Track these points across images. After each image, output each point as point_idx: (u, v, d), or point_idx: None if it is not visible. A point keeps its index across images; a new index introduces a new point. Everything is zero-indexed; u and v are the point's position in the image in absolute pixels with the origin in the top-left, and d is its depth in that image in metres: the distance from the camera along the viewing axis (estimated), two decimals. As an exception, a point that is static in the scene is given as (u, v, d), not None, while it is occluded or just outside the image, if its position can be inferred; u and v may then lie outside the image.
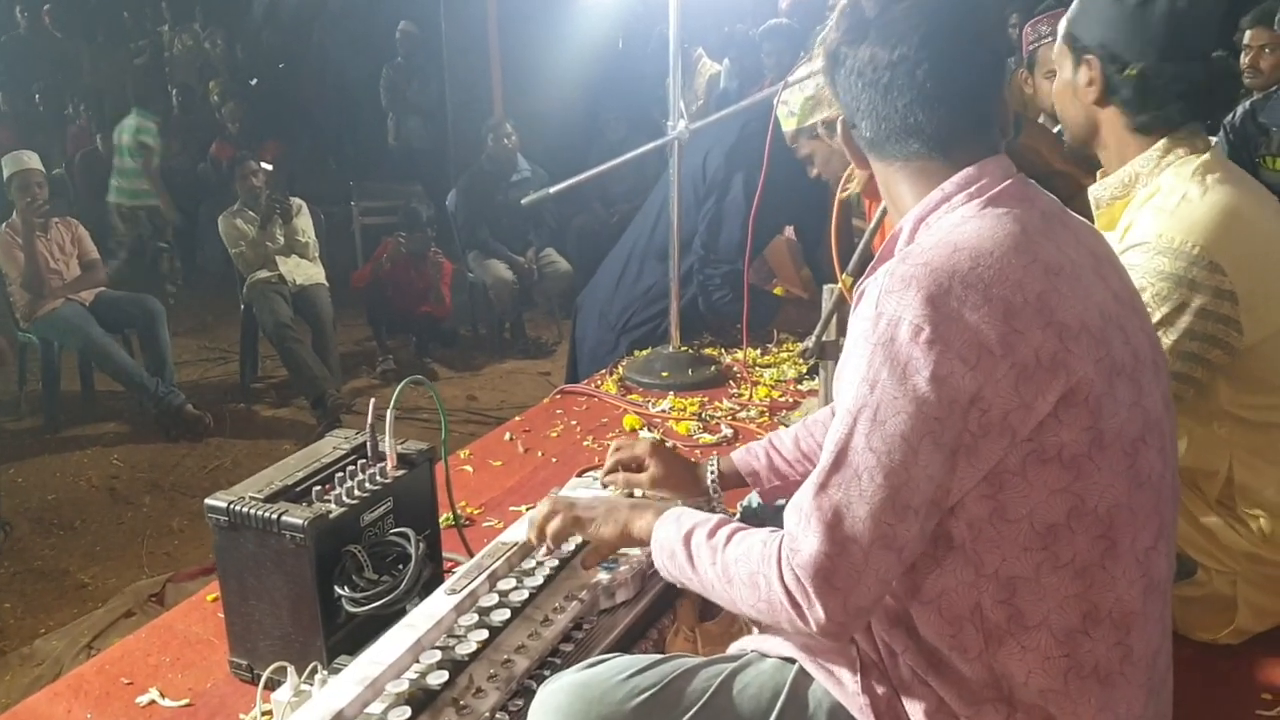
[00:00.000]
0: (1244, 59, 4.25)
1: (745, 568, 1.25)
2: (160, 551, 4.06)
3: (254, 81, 8.68)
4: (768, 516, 1.80)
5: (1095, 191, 1.84)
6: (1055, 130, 3.29)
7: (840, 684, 1.29)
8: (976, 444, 1.15)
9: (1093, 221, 1.81)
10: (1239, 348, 1.64)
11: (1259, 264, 1.64)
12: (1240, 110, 3.74)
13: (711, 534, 1.32)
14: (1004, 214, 1.21)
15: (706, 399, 2.86)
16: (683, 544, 1.35)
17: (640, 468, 1.79)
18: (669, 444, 2.54)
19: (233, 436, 5.22)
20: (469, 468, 2.47)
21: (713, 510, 1.77)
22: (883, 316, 1.14)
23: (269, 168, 6.09)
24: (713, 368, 3.04)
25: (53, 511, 4.47)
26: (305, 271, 5.82)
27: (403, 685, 1.29)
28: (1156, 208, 1.69)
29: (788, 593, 1.20)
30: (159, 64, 9.80)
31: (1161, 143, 1.72)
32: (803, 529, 1.18)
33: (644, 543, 1.44)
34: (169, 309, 5.85)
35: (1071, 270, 1.20)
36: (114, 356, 5.31)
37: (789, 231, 3.65)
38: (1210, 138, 1.77)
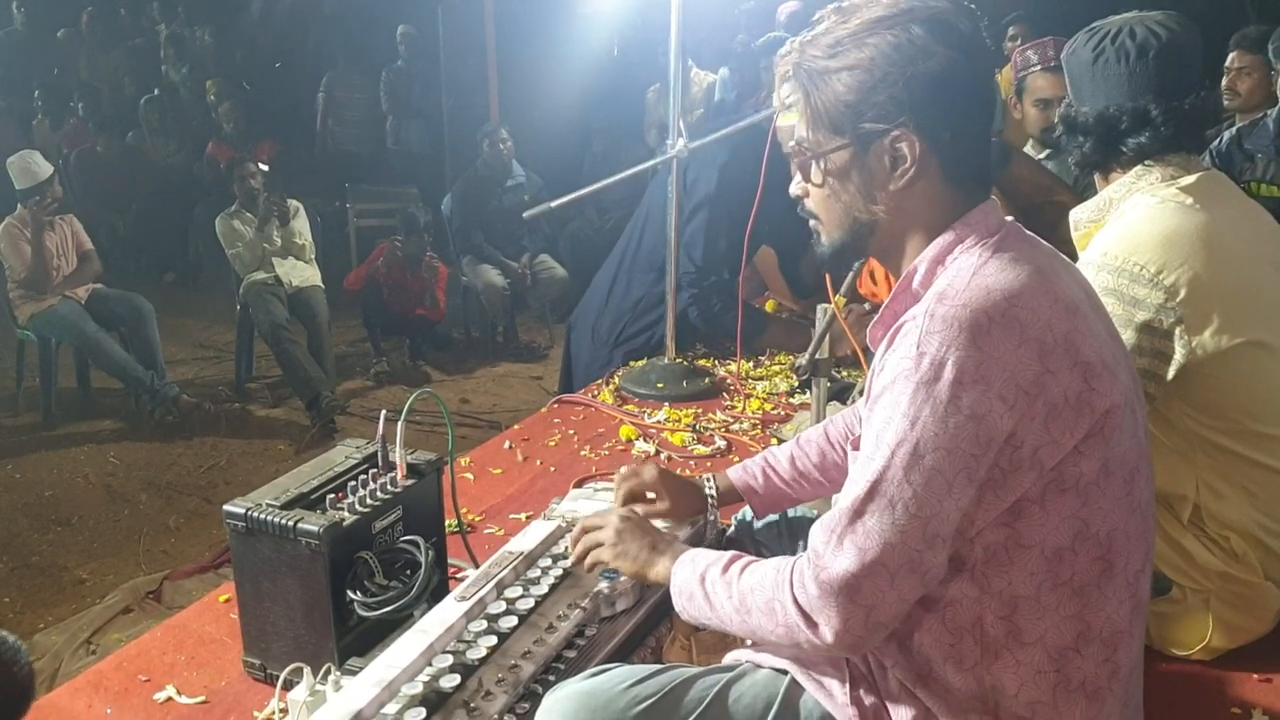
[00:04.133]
0: (1222, 81, 4.33)
1: (761, 596, 1.32)
2: (157, 549, 4.10)
3: (247, 86, 8.70)
4: (760, 530, 1.87)
5: (1075, 215, 1.92)
6: (1041, 157, 3.38)
7: (830, 695, 1.35)
8: (1006, 479, 1.22)
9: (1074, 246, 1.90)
10: (1187, 364, 1.70)
11: (1212, 286, 1.69)
12: (1226, 136, 3.82)
13: (725, 570, 1.39)
14: (1016, 256, 1.28)
15: (701, 410, 2.93)
16: (699, 584, 1.41)
17: (649, 497, 1.81)
18: (664, 454, 2.61)
19: (228, 436, 5.27)
20: (470, 475, 2.53)
21: (708, 524, 1.85)
22: (925, 356, 1.20)
23: (266, 169, 6.14)
24: (707, 380, 3.11)
25: (50, 508, 4.52)
26: (302, 274, 5.87)
27: (417, 687, 1.36)
28: (1113, 229, 1.78)
29: (801, 612, 1.27)
30: (155, 63, 9.82)
31: (1137, 168, 1.81)
32: (833, 549, 1.25)
33: (661, 585, 1.52)
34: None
35: (1081, 308, 1.27)
36: (109, 351, 5.38)
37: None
38: (1202, 162, 1.84)
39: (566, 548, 1.70)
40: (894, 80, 1.27)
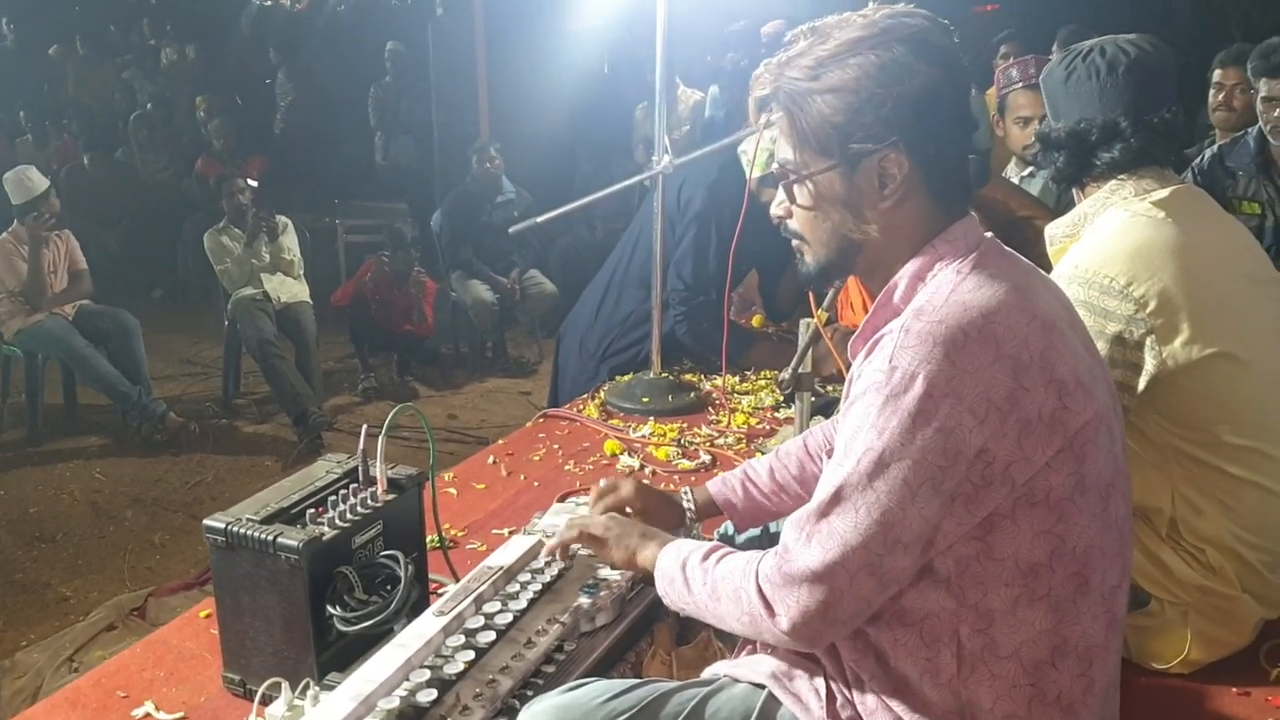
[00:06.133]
0: (1216, 97, 4.35)
1: (730, 584, 1.36)
2: (142, 566, 4.09)
3: (240, 101, 8.72)
4: (741, 545, 1.87)
5: (1050, 230, 1.95)
6: (1025, 174, 3.40)
7: (807, 709, 1.36)
8: (977, 493, 1.23)
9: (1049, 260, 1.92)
10: (1159, 375, 1.72)
11: (1181, 298, 1.71)
12: (1208, 154, 3.83)
13: (705, 558, 1.43)
14: (994, 272, 1.29)
15: (686, 425, 2.93)
16: (680, 570, 1.44)
17: (626, 509, 1.81)
18: (648, 469, 2.62)
19: (214, 452, 5.26)
20: (453, 490, 2.53)
21: (689, 538, 1.85)
22: (897, 370, 1.22)
23: (255, 184, 6.15)
24: (692, 394, 3.11)
25: (34, 524, 4.50)
26: (290, 289, 5.88)
27: (394, 702, 1.36)
28: (1085, 243, 1.80)
29: (763, 599, 1.31)
30: (145, 79, 9.83)
31: (1111, 183, 1.83)
32: (801, 545, 1.28)
33: (648, 572, 1.53)
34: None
35: (1058, 324, 1.29)
36: (97, 366, 5.37)
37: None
38: (1172, 176, 1.86)
39: (546, 561, 1.70)
40: (881, 100, 1.28)
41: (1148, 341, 1.71)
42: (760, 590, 1.31)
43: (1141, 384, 1.73)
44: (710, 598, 1.39)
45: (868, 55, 1.28)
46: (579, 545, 1.68)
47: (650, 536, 1.57)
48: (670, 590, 1.47)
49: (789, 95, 1.33)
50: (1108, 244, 1.76)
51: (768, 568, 1.32)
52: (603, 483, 1.84)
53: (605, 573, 1.70)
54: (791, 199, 1.40)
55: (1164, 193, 1.80)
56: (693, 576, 1.42)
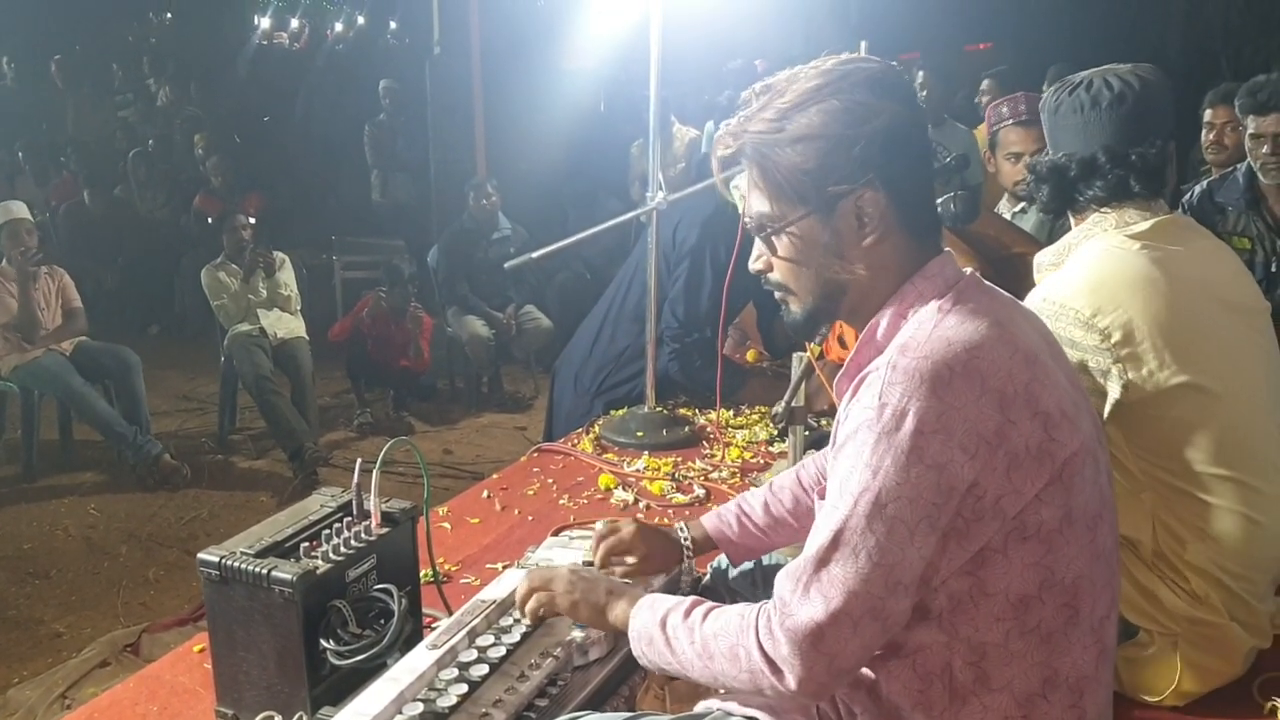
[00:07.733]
0: (1208, 136, 4.41)
1: (725, 641, 1.33)
2: (136, 602, 4.07)
3: (238, 139, 8.78)
4: (735, 579, 1.88)
5: (1039, 258, 1.98)
6: (1016, 210, 3.43)
7: (800, 742, 1.36)
8: (969, 528, 1.24)
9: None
10: (1130, 405, 1.73)
11: (1147, 329, 1.73)
12: (1198, 190, 3.87)
13: (687, 614, 1.39)
14: (976, 307, 1.31)
15: (680, 459, 2.94)
16: (659, 628, 1.41)
17: (628, 552, 1.80)
18: (642, 503, 2.62)
19: (210, 488, 5.24)
20: (447, 525, 2.53)
21: (683, 572, 1.85)
22: (887, 407, 1.23)
23: (253, 221, 6.18)
24: (686, 428, 3.13)
25: (28, 560, 4.48)
26: (286, 325, 5.90)
27: (386, 736, 1.36)
28: (1058, 274, 1.83)
29: (766, 658, 1.28)
30: (145, 117, 9.90)
31: (1094, 215, 1.86)
32: (799, 598, 1.26)
33: (618, 630, 1.50)
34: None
35: (1040, 357, 1.30)
36: (94, 405, 5.34)
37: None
38: (1159, 208, 1.87)
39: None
40: (852, 141, 1.30)
41: (1114, 370, 1.74)
42: (762, 648, 1.29)
43: (1108, 411, 1.75)
44: (700, 656, 1.35)
45: (830, 101, 1.31)
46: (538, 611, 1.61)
47: (617, 594, 1.53)
48: (648, 650, 1.43)
49: (756, 149, 1.36)
50: (1076, 276, 1.80)
51: (768, 624, 1.29)
52: (602, 525, 1.82)
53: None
54: (772, 250, 1.41)
55: (1144, 225, 1.82)
56: (675, 635, 1.39)
